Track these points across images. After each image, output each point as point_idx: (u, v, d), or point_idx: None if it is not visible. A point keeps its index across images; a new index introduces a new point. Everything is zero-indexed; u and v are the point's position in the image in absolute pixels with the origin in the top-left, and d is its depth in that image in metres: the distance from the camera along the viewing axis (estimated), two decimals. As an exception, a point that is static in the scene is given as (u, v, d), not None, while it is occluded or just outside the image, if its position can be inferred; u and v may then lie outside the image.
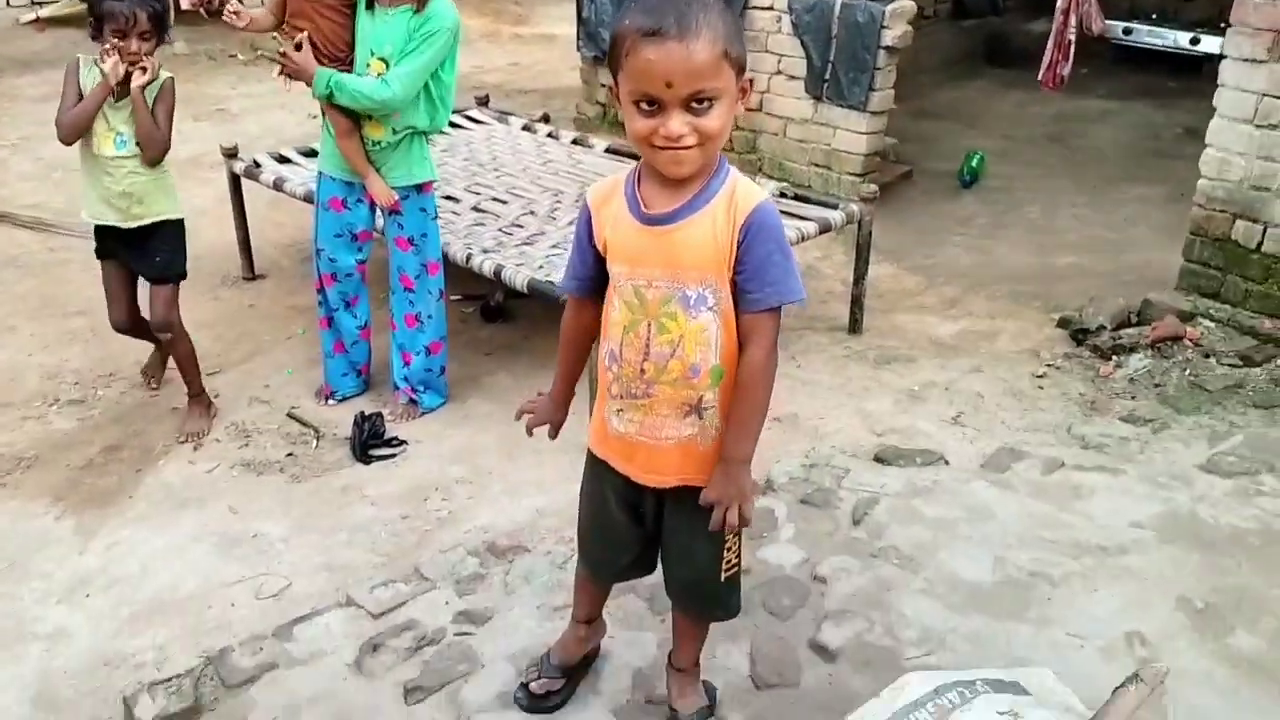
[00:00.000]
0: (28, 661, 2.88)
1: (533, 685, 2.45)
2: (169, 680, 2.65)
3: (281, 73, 3.77)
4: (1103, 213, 6.20)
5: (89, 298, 5.11)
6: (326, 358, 4.22)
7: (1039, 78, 6.44)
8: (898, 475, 3.45)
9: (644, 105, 1.75)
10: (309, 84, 3.71)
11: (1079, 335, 4.51)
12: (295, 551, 3.34)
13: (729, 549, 2.16)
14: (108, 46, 3.50)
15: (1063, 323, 4.68)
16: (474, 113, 6.02)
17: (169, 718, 2.55)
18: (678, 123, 1.74)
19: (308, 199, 4.73)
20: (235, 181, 5.17)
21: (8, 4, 9.72)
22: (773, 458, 3.60)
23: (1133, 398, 4.03)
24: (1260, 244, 4.25)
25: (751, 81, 1.87)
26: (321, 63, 3.70)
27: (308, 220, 5.95)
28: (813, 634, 2.67)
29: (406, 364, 4.11)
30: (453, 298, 4.58)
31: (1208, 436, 3.65)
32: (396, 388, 4.17)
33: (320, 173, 3.99)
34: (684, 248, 1.87)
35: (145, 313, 4.00)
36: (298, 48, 3.68)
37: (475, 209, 4.72)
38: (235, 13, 3.65)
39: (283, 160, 5.24)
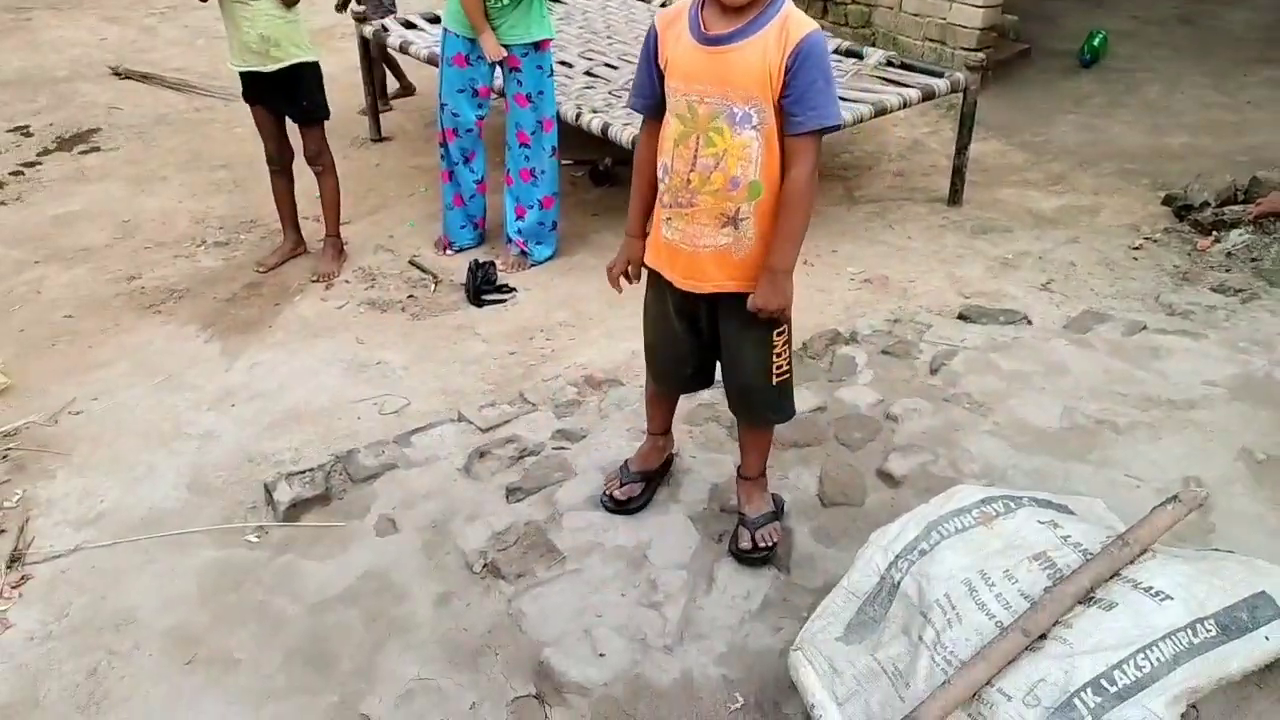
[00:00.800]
0: (184, 455, 3.30)
1: (616, 492, 2.73)
2: (303, 472, 3.03)
3: None
4: (1226, 94, 6.02)
5: (232, 153, 5.53)
6: (446, 210, 4.51)
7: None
8: (979, 332, 3.57)
9: None
10: None
11: (1182, 211, 4.49)
12: (414, 377, 3.67)
13: (778, 354, 2.35)
14: None
15: (1167, 199, 4.65)
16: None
17: (303, 501, 2.93)
18: None
19: (431, 61, 4.98)
20: (365, 45, 5.43)
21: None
22: (860, 313, 3.76)
23: (1227, 270, 4.03)
24: (1380, 119, 4.15)
25: None
26: None
27: (430, 86, 6.24)
28: (880, 463, 2.87)
29: (520, 217, 4.37)
30: (563, 162, 4.80)
31: (1297, 308, 3.67)
32: (509, 240, 4.45)
33: (445, 30, 4.23)
34: (735, 67, 2.04)
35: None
36: None
37: (588, 73, 4.89)
38: None
39: (409, 26, 5.47)
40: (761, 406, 2.47)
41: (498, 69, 4.21)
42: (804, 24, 2.04)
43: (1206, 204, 4.41)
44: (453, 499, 2.89)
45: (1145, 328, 3.54)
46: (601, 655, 2.33)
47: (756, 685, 2.26)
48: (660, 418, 2.74)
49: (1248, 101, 5.89)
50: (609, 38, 5.34)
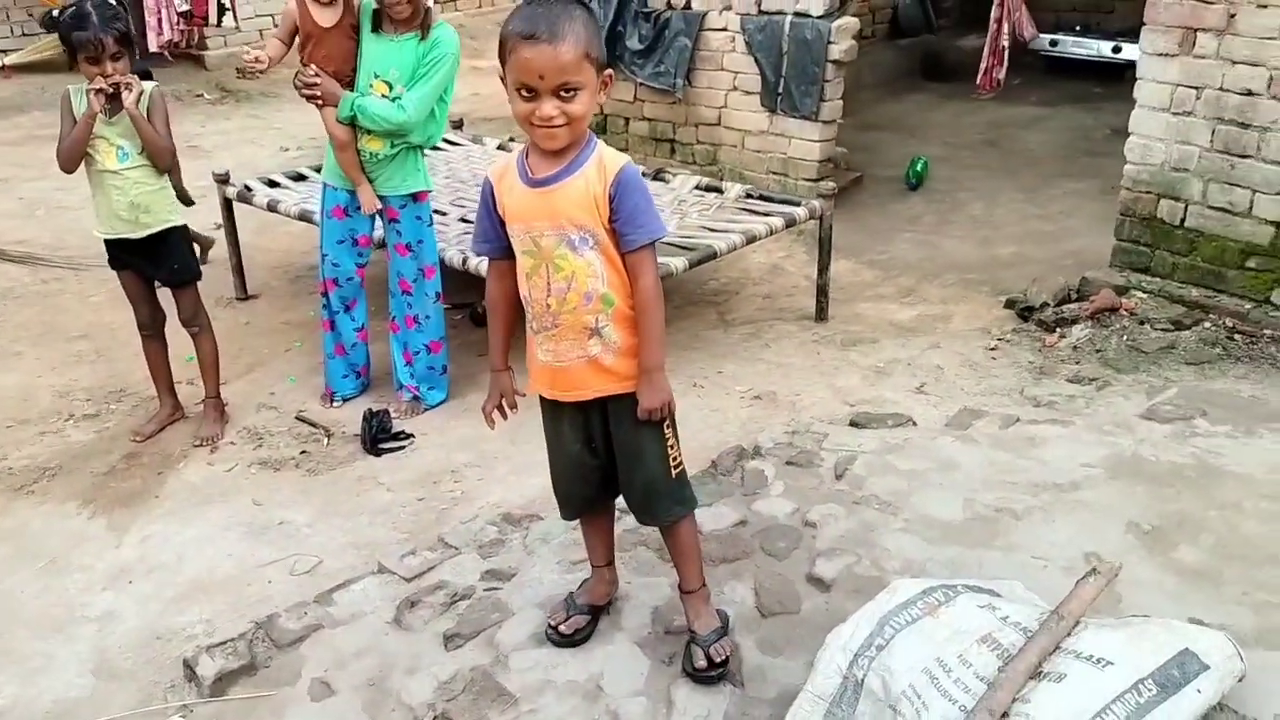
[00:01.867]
0: (83, 640, 3.10)
1: (562, 626, 2.73)
2: (224, 643, 2.89)
3: (311, 99, 4.08)
4: (1039, 207, 6.65)
5: (89, 323, 5.34)
6: (328, 359, 4.49)
7: (977, 82, 6.90)
8: (872, 436, 3.78)
9: (524, 92, 2.19)
10: (335, 106, 4.01)
11: (1025, 313, 4.90)
12: (321, 534, 3.58)
13: (671, 445, 2.53)
14: (91, 86, 3.75)
15: (1009, 303, 5.07)
16: (450, 136, 6.31)
17: (229, 674, 2.80)
18: (549, 107, 2.18)
19: (301, 217, 5.00)
20: (228, 206, 5.41)
21: (-30, 54, 9.87)
22: (758, 428, 3.92)
23: (1077, 363, 4.41)
24: (1183, 220, 4.67)
25: (611, 76, 2.34)
26: None
27: (292, 244, 6.26)
28: (808, 569, 2.97)
29: (409, 363, 4.39)
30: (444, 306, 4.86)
31: (1146, 390, 4.04)
32: (400, 386, 4.44)
33: (324, 184, 4.31)
34: (563, 201, 2.31)
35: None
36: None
37: (461, 220, 5.02)
38: (256, 60, 3.97)
39: (272, 185, 5.49)
40: (668, 500, 2.59)
41: (378, 219, 4.29)
42: (617, 158, 2.34)
43: (1046, 304, 4.83)
44: (387, 653, 2.82)
45: (1018, 420, 3.82)
46: (575, 793, 2.30)
47: (733, 803, 2.27)
48: (600, 549, 2.81)
49: (1059, 212, 6.52)
50: (477, 185, 5.48)
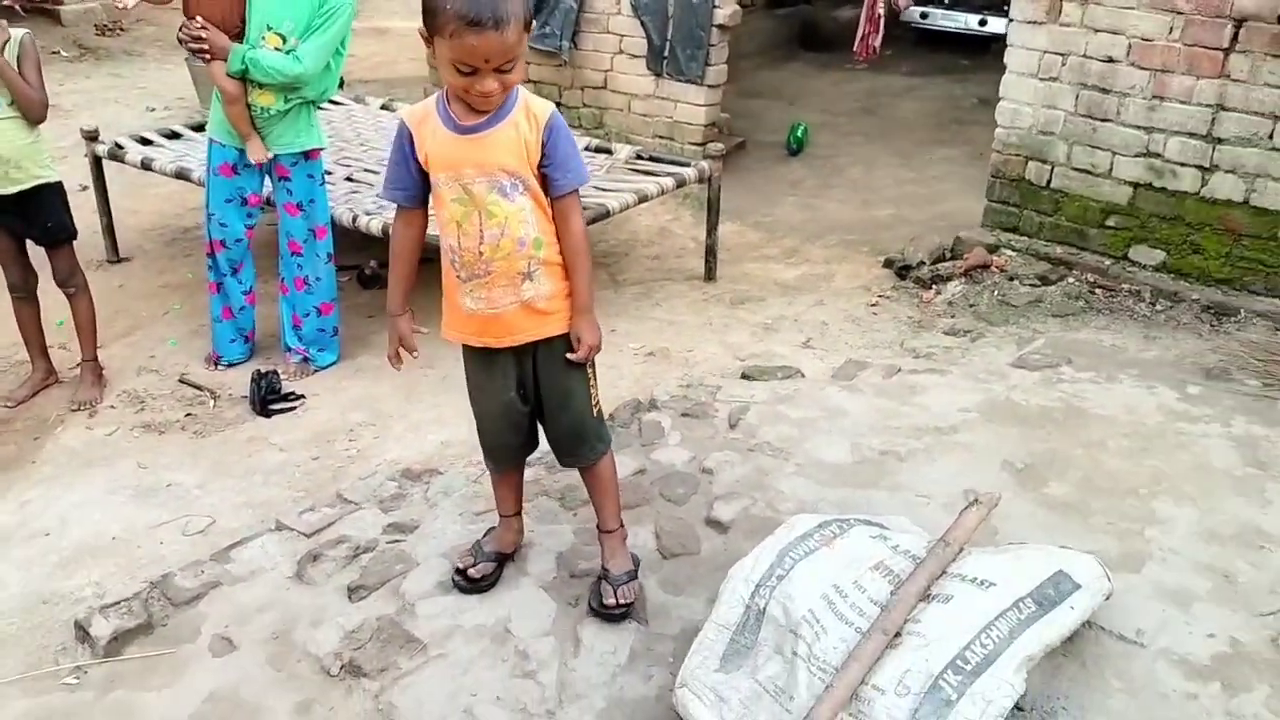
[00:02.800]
0: (-38, 609, 2.98)
1: (470, 570, 2.76)
2: (117, 603, 2.82)
3: (198, 54, 3.94)
4: (915, 171, 6.91)
5: (-54, 286, 5.05)
6: (215, 323, 4.37)
7: (854, 49, 7.10)
8: (763, 388, 3.90)
9: (462, 69, 2.18)
10: (224, 59, 3.88)
11: (902, 271, 5.10)
12: (213, 495, 3.51)
13: (592, 386, 2.60)
14: None
15: (888, 263, 5.27)
16: (332, 95, 6.16)
17: (125, 633, 2.73)
18: (490, 83, 2.20)
19: (179, 175, 4.84)
20: (97, 164, 5.19)
21: None
22: (652, 383, 4.00)
23: (952, 316, 4.63)
24: (1049, 181, 4.93)
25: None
26: None
27: (164, 205, 6.05)
28: (706, 513, 3.06)
29: (297, 326, 4.31)
30: (331, 268, 4.78)
31: (1016, 341, 4.27)
32: (288, 348, 4.36)
33: (211, 140, 4.15)
34: (494, 148, 2.32)
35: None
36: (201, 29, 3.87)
37: (348, 179, 4.93)
38: (123, 4, 3.81)
39: (145, 142, 5.28)
40: (593, 439, 2.65)
41: (267, 179, 4.18)
42: (544, 104, 2.37)
43: (922, 263, 5.04)
44: (290, 607, 2.79)
45: (900, 370, 4.00)
46: (487, 730, 2.34)
47: (642, 732, 2.35)
48: (511, 499, 2.84)
49: (933, 176, 6.78)
50: (362, 145, 5.41)
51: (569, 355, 2.50)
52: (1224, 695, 2.31)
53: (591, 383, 2.60)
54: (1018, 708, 2.28)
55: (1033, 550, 2.51)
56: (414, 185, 2.42)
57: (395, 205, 2.54)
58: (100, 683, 2.60)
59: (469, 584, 2.75)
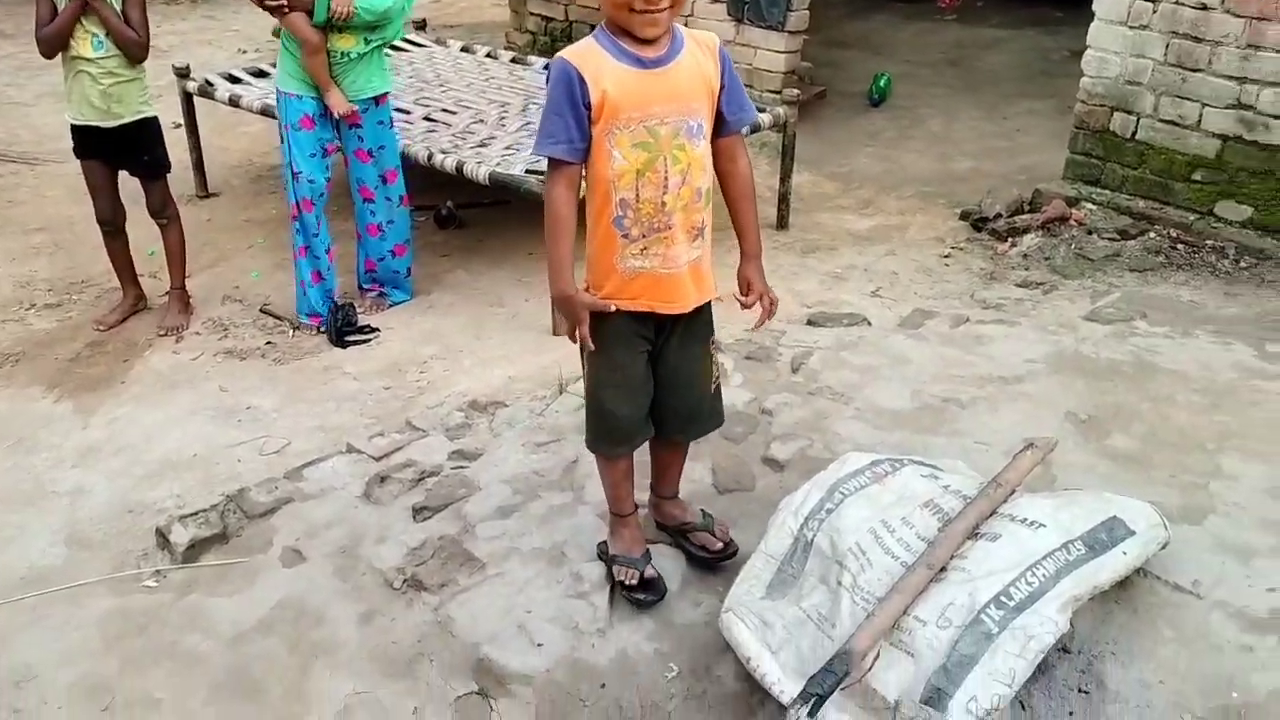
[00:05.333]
0: (55, 514, 3.17)
1: (645, 574, 2.52)
2: (196, 514, 2.98)
3: (274, 9, 3.93)
4: (997, 124, 6.76)
5: (48, 216, 5.30)
6: (307, 288, 4.28)
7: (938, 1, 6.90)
8: (827, 334, 3.90)
9: None
10: (304, 9, 3.89)
11: (978, 223, 5.03)
12: (289, 419, 3.66)
13: (716, 362, 2.51)
14: None
15: (964, 215, 5.19)
16: (413, 36, 6.26)
17: (202, 541, 2.89)
18: None
19: (265, 113, 4.97)
20: (188, 101, 5.36)
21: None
22: (718, 326, 4.00)
23: (1026, 269, 4.56)
24: (1134, 133, 4.79)
25: None
26: None
27: (251, 145, 6.21)
28: (763, 451, 3.09)
29: (371, 270, 4.37)
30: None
31: (1090, 295, 4.19)
32: (363, 288, 4.45)
33: (284, 94, 4.11)
34: (683, 83, 2.17)
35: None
36: None
37: (426, 119, 5.01)
38: None
39: (233, 80, 5.43)
40: (710, 416, 2.53)
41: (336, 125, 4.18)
42: (708, 34, 2.25)
43: (999, 215, 4.96)
44: (357, 524, 2.91)
45: (968, 320, 3.96)
46: (539, 645, 2.42)
47: (688, 655, 2.41)
48: (631, 490, 2.59)
49: (1016, 129, 6.63)
50: (441, 86, 5.48)
51: (743, 302, 2.39)
52: (1280, 648, 2.27)
53: (715, 357, 2.49)
54: (1064, 649, 2.29)
55: (1087, 495, 2.50)
56: (582, 135, 2.16)
57: (548, 163, 2.24)
58: (178, 586, 2.76)
59: (648, 590, 2.52)
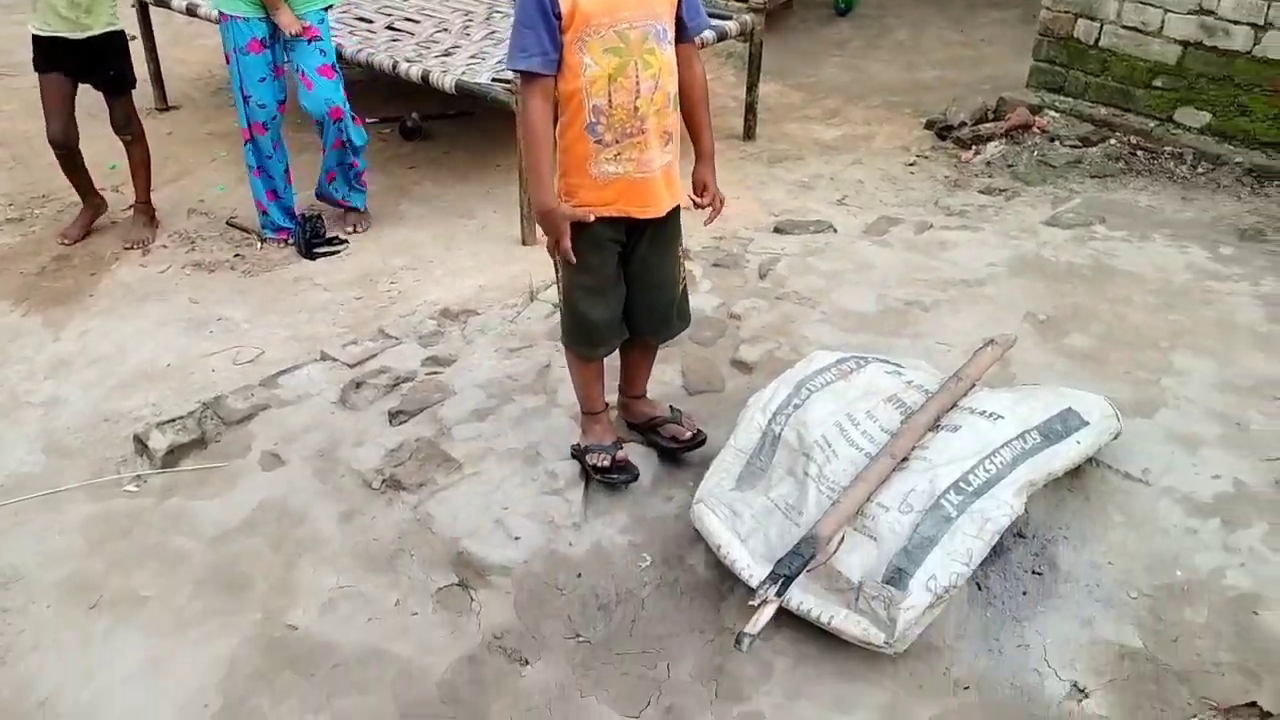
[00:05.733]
0: (30, 424, 3.18)
1: (617, 457, 2.60)
2: (173, 420, 3.01)
3: None
4: (962, 34, 6.76)
5: (3, 130, 5.20)
6: (266, 206, 4.19)
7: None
8: (794, 241, 3.95)
9: None
10: None
11: (943, 132, 5.06)
12: (261, 329, 3.67)
13: (683, 262, 2.58)
14: None
15: (929, 123, 5.22)
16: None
17: (180, 447, 2.93)
18: None
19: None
20: (144, 10, 5.23)
21: None
22: (686, 234, 4.03)
23: (989, 176, 4.61)
24: (1097, 39, 4.81)
25: None
26: None
27: (209, 56, 6.09)
28: (732, 354, 3.17)
29: (330, 181, 4.25)
30: (369, 120, 4.81)
31: (1051, 200, 4.26)
32: (330, 201, 4.34)
33: (227, 17, 3.91)
34: None
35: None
36: None
37: (389, 27, 4.93)
38: None
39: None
40: (678, 317, 2.60)
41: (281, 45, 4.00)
42: None
43: (964, 124, 5.00)
44: (334, 429, 2.96)
45: (931, 226, 4.02)
46: (516, 538, 2.51)
47: (660, 545, 2.50)
48: (603, 390, 2.67)
49: (981, 39, 6.64)
50: (400, -6, 5.39)
51: (697, 202, 2.44)
52: (1223, 530, 2.40)
53: (682, 259, 2.54)
54: (1019, 534, 2.41)
55: (1044, 389, 2.59)
56: (555, 46, 2.18)
57: (521, 77, 2.26)
58: (159, 491, 2.81)
59: (621, 470, 2.61)
